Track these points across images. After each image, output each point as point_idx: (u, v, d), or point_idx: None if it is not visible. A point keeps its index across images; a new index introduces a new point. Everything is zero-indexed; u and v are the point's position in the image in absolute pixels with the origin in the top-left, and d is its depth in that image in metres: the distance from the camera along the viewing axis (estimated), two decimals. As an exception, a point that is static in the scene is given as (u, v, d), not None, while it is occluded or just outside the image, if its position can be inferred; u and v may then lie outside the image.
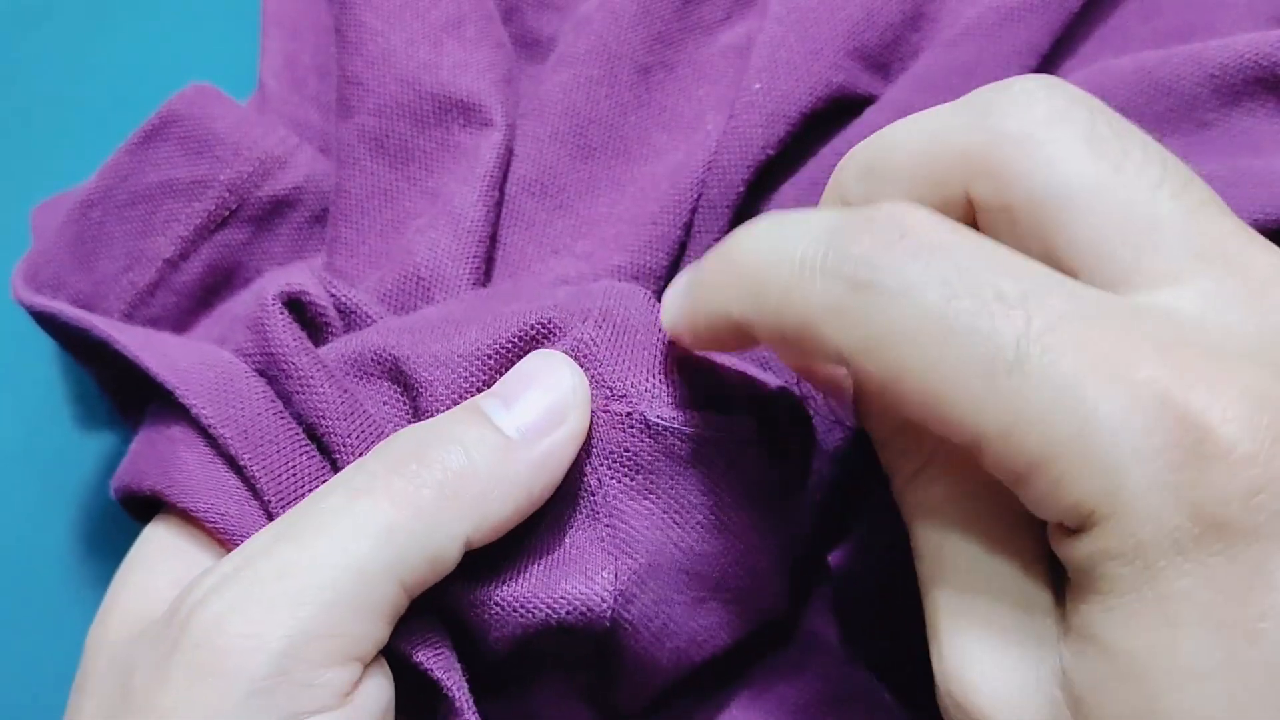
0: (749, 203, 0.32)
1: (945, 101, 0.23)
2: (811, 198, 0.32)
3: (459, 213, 0.31)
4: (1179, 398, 0.18)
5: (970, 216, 0.22)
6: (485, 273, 0.31)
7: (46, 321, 0.30)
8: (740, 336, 0.22)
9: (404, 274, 0.30)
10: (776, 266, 0.21)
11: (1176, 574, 0.18)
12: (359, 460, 0.24)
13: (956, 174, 0.22)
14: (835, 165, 0.24)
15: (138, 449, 0.28)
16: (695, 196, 0.31)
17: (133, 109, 0.33)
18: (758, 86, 0.32)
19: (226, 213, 0.33)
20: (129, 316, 0.32)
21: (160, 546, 0.26)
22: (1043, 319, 0.19)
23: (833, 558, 0.30)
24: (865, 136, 0.24)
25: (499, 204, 0.32)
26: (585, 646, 0.26)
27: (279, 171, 0.33)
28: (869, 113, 0.33)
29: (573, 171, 0.33)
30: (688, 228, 0.32)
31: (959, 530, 0.22)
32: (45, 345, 0.36)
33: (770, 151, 0.32)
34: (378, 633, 0.23)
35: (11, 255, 0.35)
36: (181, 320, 0.33)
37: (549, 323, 0.26)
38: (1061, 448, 0.18)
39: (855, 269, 0.20)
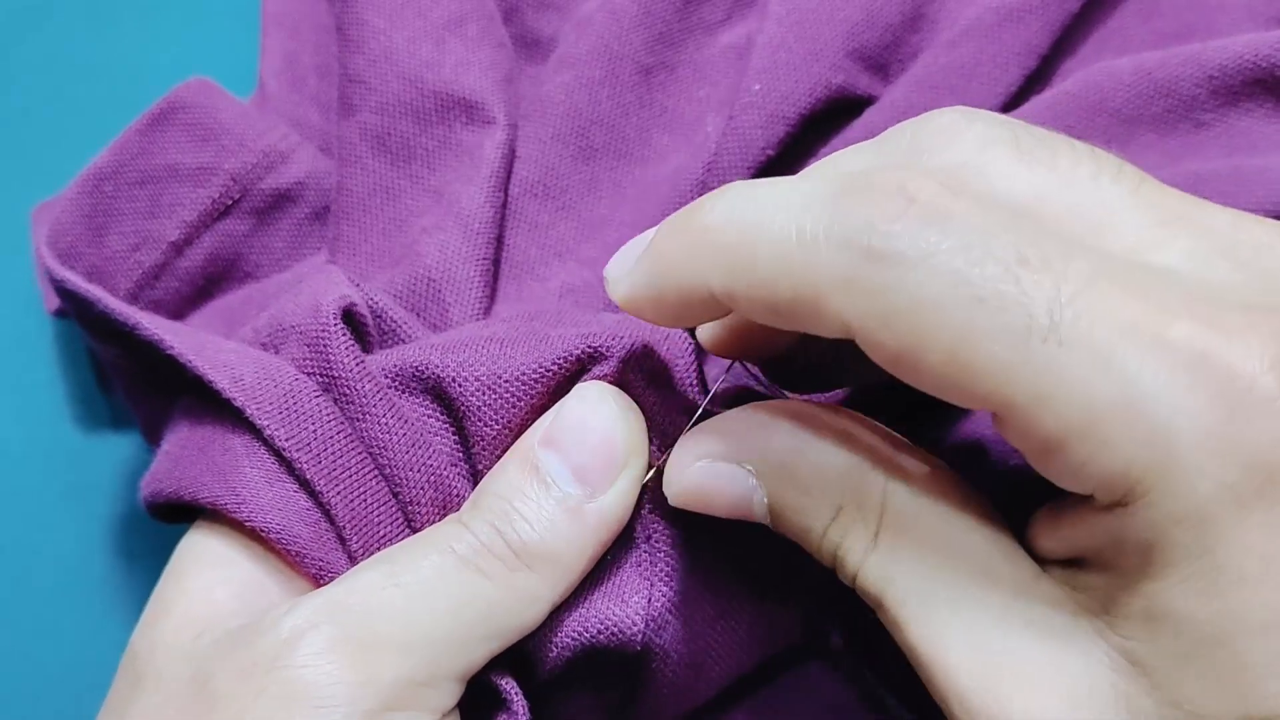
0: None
1: (945, 102, 0.22)
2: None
3: (467, 214, 0.31)
4: (1217, 353, 0.18)
5: None
6: (493, 274, 0.31)
7: (70, 298, 0.29)
8: (712, 308, 0.22)
9: (415, 275, 0.30)
10: (766, 235, 0.20)
11: (1241, 530, 0.18)
12: (458, 520, 0.25)
13: None
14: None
15: (182, 454, 0.27)
16: (695, 198, 0.31)
17: (133, 109, 0.33)
18: (757, 87, 0.32)
19: (230, 202, 0.33)
20: (135, 297, 0.32)
21: (214, 553, 0.26)
22: (1072, 284, 0.18)
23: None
24: (865, 138, 0.23)
25: (504, 204, 0.32)
26: (615, 668, 0.26)
27: (281, 166, 0.33)
28: (869, 113, 0.33)
29: (575, 173, 0.33)
30: (688, 229, 0.32)
31: (937, 575, 0.21)
32: (47, 343, 0.36)
33: (770, 152, 0.32)
34: (461, 688, 0.24)
35: (11, 255, 0.35)
36: (180, 307, 0.33)
37: (596, 349, 0.26)
38: (1104, 414, 0.18)
39: (868, 238, 0.19)
